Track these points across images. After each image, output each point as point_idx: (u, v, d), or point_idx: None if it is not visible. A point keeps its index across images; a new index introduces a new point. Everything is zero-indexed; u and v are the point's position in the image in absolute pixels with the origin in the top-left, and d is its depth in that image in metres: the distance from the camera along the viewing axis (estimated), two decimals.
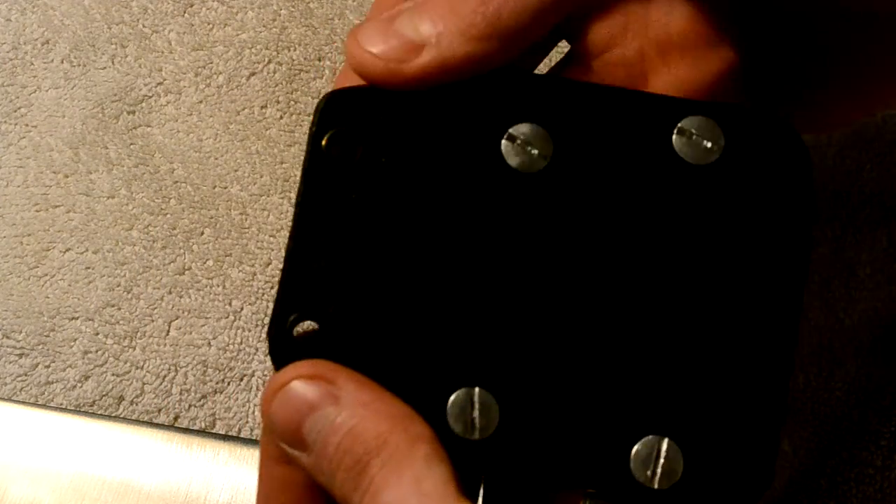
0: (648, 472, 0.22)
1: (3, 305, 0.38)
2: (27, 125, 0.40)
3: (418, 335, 0.23)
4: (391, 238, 0.23)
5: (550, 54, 0.28)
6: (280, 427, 0.22)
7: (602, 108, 0.23)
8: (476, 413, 0.22)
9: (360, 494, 0.20)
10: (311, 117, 0.23)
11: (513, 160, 0.23)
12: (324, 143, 0.23)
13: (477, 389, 0.22)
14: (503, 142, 0.23)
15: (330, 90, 0.24)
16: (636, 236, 0.23)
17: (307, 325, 0.23)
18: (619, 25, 0.24)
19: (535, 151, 0.23)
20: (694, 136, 0.23)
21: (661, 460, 0.22)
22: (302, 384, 0.21)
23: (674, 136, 0.23)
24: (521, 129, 0.23)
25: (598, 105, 0.23)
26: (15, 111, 0.41)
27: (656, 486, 0.22)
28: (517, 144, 0.23)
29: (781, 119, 0.23)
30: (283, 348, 0.22)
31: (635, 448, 0.22)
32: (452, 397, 0.22)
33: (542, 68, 0.28)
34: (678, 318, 0.22)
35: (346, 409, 0.21)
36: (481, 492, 0.26)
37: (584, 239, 0.23)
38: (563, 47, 0.27)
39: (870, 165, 0.36)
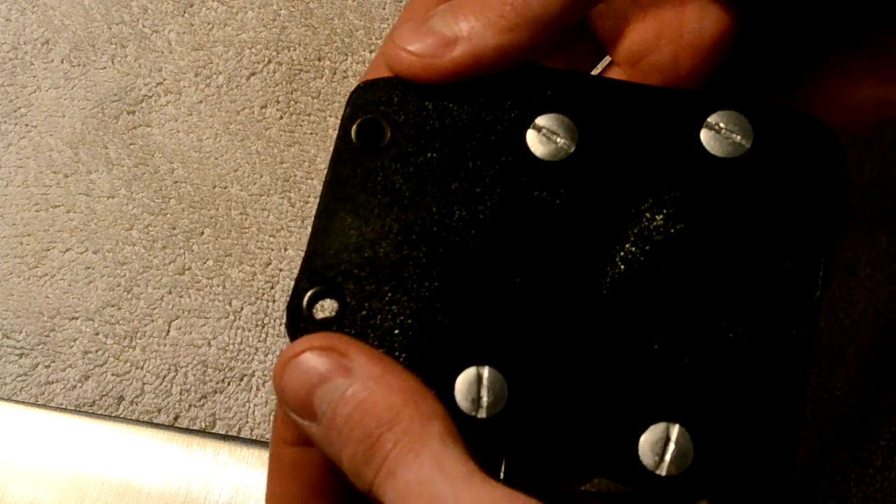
0: (657, 459, 0.21)
1: (3, 305, 0.38)
2: (27, 125, 0.40)
3: (433, 314, 0.23)
4: (412, 221, 0.23)
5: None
6: (290, 397, 0.22)
7: (629, 102, 0.23)
8: (484, 391, 0.22)
9: (372, 469, 0.20)
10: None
11: (538, 150, 0.23)
12: (353, 129, 0.24)
13: (487, 368, 0.22)
14: (529, 131, 0.24)
15: (364, 79, 0.25)
16: (656, 226, 0.23)
17: (327, 304, 0.23)
18: (653, 32, 0.25)
19: (561, 141, 0.23)
20: (722, 130, 0.23)
21: (671, 447, 0.21)
22: (314, 355, 0.22)
23: (702, 131, 0.23)
24: (547, 119, 0.23)
25: (625, 98, 0.24)
26: (15, 111, 0.41)
27: (664, 473, 0.21)
28: (542, 134, 0.23)
29: (813, 117, 0.23)
30: (299, 321, 0.23)
31: (644, 434, 0.22)
32: (462, 374, 0.22)
33: None
34: (694, 307, 0.22)
35: (358, 382, 0.21)
36: (502, 472, 0.26)
37: (604, 227, 0.23)
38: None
39: (870, 165, 0.36)
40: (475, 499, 0.19)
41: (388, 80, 0.24)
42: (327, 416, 0.21)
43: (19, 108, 0.41)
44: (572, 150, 0.23)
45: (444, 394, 0.22)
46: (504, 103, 0.24)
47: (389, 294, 0.23)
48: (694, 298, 0.22)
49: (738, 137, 0.23)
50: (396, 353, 0.23)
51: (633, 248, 0.23)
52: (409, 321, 0.23)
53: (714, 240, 0.22)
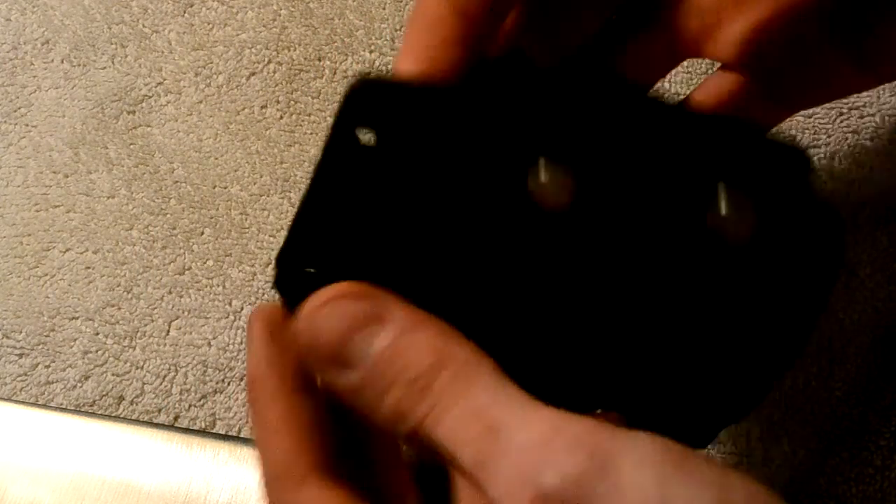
0: None
1: (3, 305, 0.38)
2: (27, 125, 0.40)
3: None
4: (395, 225, 0.23)
5: None
6: (323, 343, 0.21)
7: (634, 152, 0.23)
8: None
9: (426, 406, 0.20)
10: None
11: (535, 194, 0.23)
12: (346, 127, 0.24)
13: None
14: (529, 176, 0.23)
15: (359, 72, 0.24)
16: (644, 287, 0.23)
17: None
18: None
19: (557, 192, 0.23)
20: (725, 213, 0.23)
21: None
22: (350, 301, 0.21)
23: (708, 214, 0.23)
24: (547, 168, 0.23)
25: (630, 148, 0.23)
26: (15, 111, 0.41)
27: None
28: (541, 181, 0.23)
29: (825, 203, 0.23)
30: (293, 282, 0.22)
31: None
32: None
33: None
34: (665, 349, 0.23)
35: (400, 327, 0.21)
36: None
37: (592, 281, 0.23)
38: None
39: (870, 165, 0.36)
40: (538, 421, 0.19)
41: (386, 80, 0.24)
42: (368, 362, 0.21)
43: (19, 108, 0.41)
44: (569, 204, 0.23)
45: None
46: (507, 131, 0.23)
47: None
48: (668, 347, 0.23)
49: (742, 223, 0.23)
50: None
51: (615, 305, 0.23)
52: None
53: (702, 313, 0.23)
